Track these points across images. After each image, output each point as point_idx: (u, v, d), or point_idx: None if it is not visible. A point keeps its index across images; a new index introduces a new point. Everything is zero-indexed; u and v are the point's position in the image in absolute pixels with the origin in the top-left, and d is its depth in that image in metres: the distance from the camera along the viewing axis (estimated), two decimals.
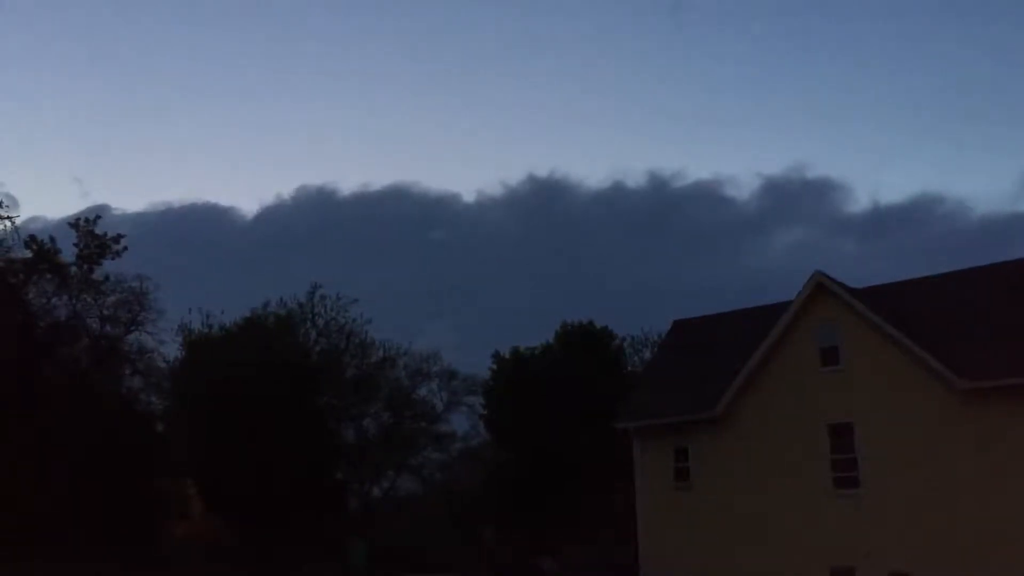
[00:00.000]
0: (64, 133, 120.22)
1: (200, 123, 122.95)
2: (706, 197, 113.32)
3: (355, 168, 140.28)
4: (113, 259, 40.05)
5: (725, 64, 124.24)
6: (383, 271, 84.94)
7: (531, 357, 46.08)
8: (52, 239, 39.43)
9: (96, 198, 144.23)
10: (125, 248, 40.17)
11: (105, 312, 41.06)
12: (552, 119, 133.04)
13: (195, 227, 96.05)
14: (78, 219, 40.20)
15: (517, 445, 43.66)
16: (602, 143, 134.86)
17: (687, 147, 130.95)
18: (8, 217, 38.13)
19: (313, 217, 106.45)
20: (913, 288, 28.57)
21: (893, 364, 25.18)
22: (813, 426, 26.18)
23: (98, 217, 40.53)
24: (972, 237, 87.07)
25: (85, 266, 39.77)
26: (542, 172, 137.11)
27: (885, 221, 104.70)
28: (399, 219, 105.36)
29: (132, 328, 41.82)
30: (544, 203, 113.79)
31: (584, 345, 45.29)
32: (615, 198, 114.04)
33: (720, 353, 29.60)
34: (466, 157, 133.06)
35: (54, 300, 40.27)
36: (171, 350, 44.61)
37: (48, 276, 39.41)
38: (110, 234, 40.10)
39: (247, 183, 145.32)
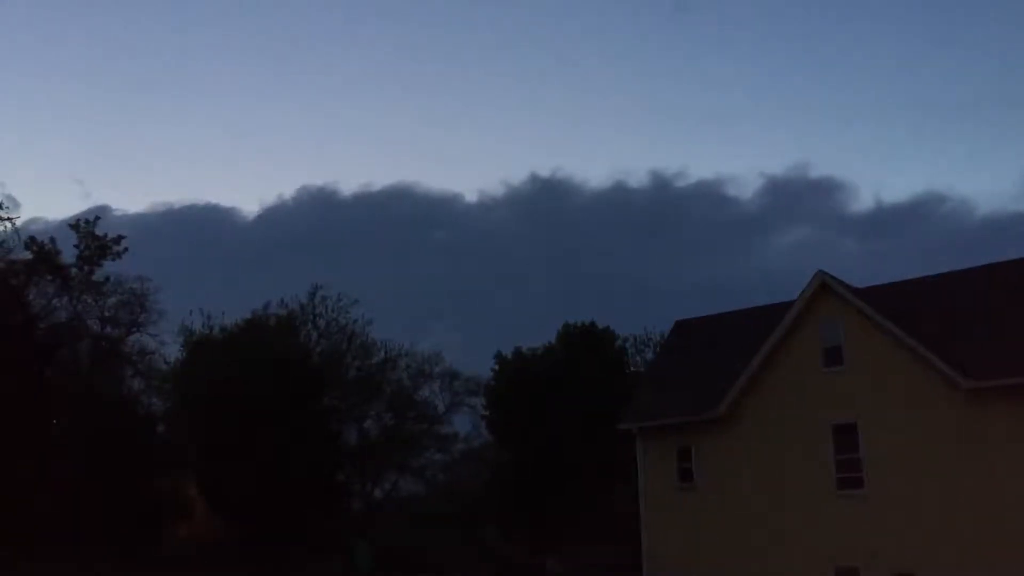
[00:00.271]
0: (65, 134, 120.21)
1: (201, 123, 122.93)
2: (708, 196, 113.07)
3: (357, 168, 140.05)
4: (114, 260, 40.15)
5: (727, 63, 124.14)
6: (385, 272, 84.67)
7: (533, 358, 45.95)
8: (53, 240, 39.56)
9: (97, 199, 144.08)
10: (126, 249, 40.25)
11: (106, 313, 41.19)
12: (554, 119, 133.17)
13: (196, 228, 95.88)
14: (79, 220, 40.33)
15: (519, 446, 43.57)
16: (604, 143, 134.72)
17: (689, 146, 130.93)
18: (9, 218, 38.29)
19: (314, 217, 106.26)
20: (916, 287, 28.49)
21: (897, 364, 25.07)
22: (816, 426, 26.08)
23: (98, 218, 40.69)
24: (975, 236, 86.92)
25: (86, 267, 39.81)
26: (544, 172, 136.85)
27: (888, 220, 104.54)
28: (401, 219, 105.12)
29: (133, 329, 41.94)
30: (546, 203, 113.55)
31: (586, 345, 45.16)
32: (617, 198, 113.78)
33: (723, 353, 29.49)
34: (468, 157, 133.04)
35: (55, 301, 40.39)
36: (172, 351, 44.74)
37: (49, 277, 39.43)
38: (111, 235, 40.21)
39: (248, 184, 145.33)
